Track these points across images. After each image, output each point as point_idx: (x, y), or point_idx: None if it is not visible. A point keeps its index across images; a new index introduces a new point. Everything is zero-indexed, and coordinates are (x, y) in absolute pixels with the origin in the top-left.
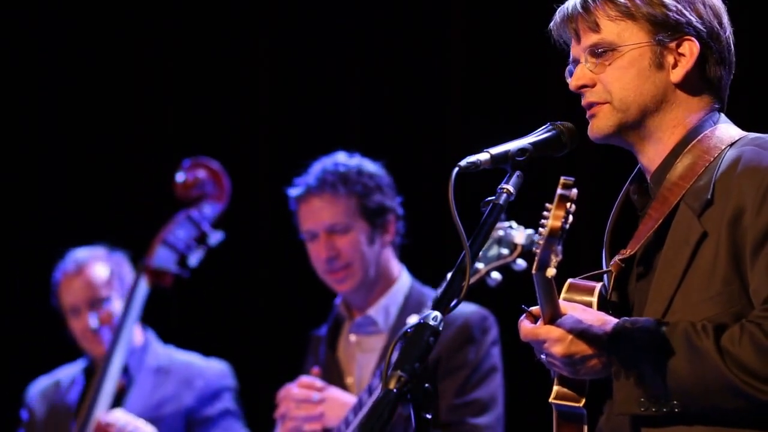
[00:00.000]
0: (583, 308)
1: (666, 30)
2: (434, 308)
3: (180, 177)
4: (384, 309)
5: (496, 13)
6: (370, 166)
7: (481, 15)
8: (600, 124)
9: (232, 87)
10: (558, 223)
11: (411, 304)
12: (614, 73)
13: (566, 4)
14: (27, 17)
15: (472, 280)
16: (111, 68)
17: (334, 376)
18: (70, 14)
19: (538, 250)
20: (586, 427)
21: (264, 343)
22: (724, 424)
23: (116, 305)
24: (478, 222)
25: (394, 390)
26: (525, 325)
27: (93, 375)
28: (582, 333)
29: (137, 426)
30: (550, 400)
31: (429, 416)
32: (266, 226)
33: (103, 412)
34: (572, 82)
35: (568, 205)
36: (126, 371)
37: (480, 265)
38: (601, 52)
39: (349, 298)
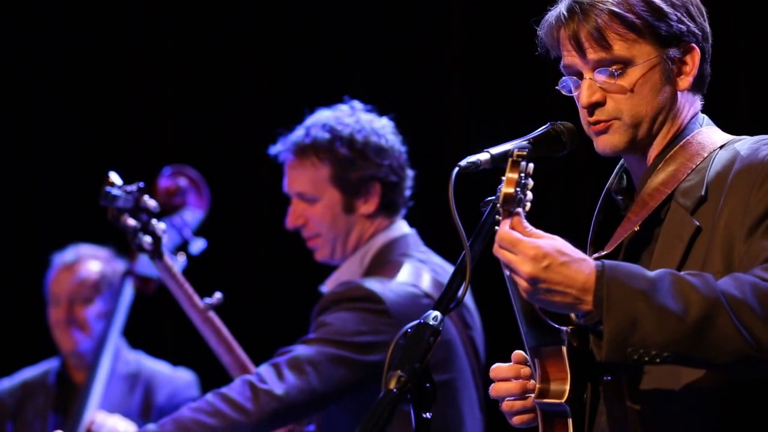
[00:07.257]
0: (564, 242)
1: (671, 42)
2: (435, 308)
3: (162, 184)
4: (335, 281)
5: (497, 12)
6: (362, 130)
7: (482, 14)
8: (613, 141)
9: (218, 97)
10: (511, 190)
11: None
12: (627, 91)
13: (561, 12)
14: (7, 20)
15: None
16: (105, 74)
17: None
18: (56, 18)
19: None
20: (570, 421)
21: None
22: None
23: (98, 308)
24: (478, 222)
25: (394, 390)
26: (505, 230)
27: (65, 376)
28: (562, 264)
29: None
30: (533, 399)
31: (429, 416)
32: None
33: (94, 414)
34: (584, 100)
35: (522, 174)
36: None
37: None
38: (612, 70)
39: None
